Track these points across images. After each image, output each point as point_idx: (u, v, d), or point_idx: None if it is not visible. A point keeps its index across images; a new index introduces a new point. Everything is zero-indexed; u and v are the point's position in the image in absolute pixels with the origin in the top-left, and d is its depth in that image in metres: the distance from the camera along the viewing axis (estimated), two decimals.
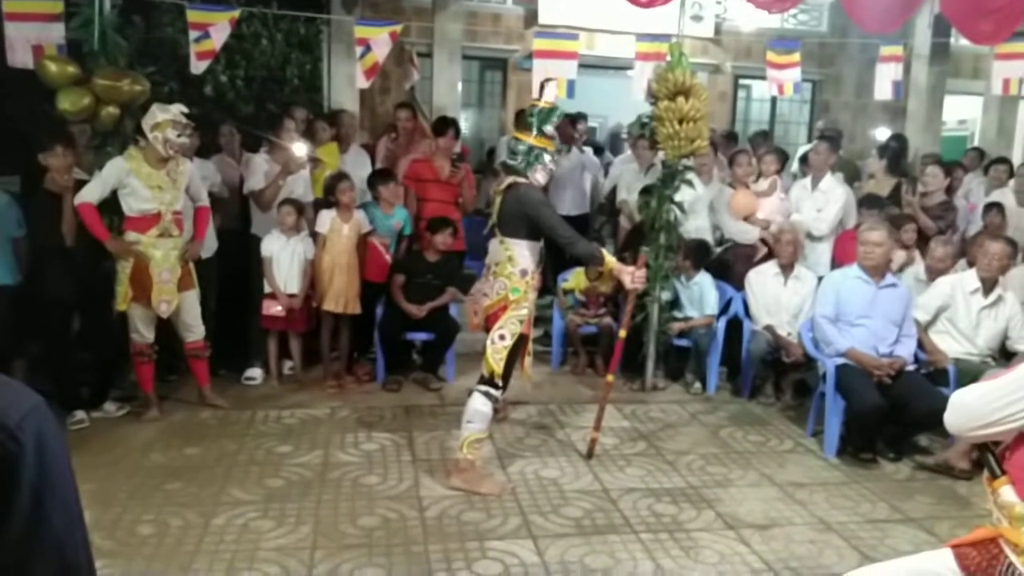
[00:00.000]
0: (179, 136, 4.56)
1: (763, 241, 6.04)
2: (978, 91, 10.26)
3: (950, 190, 6.62)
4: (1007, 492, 1.85)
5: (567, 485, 4.13)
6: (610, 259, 4.01)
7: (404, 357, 5.89)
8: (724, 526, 3.74)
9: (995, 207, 6.06)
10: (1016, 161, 8.32)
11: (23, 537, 0.55)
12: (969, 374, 4.55)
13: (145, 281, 4.59)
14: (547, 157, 4.06)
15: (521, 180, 4.05)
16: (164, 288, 4.63)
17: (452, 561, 3.33)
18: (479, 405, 3.99)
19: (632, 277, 4.06)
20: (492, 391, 4.00)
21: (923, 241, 5.79)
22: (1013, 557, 1.91)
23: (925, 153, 7.91)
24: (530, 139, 4.03)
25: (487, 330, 4.05)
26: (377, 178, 5.75)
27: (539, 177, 4.06)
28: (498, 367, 3.95)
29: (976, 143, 10.10)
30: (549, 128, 4.06)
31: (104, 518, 3.56)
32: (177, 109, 4.59)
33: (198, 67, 5.78)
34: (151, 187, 4.56)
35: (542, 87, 4.19)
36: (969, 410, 1.89)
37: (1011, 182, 7.02)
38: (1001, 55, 7.12)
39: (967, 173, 7.14)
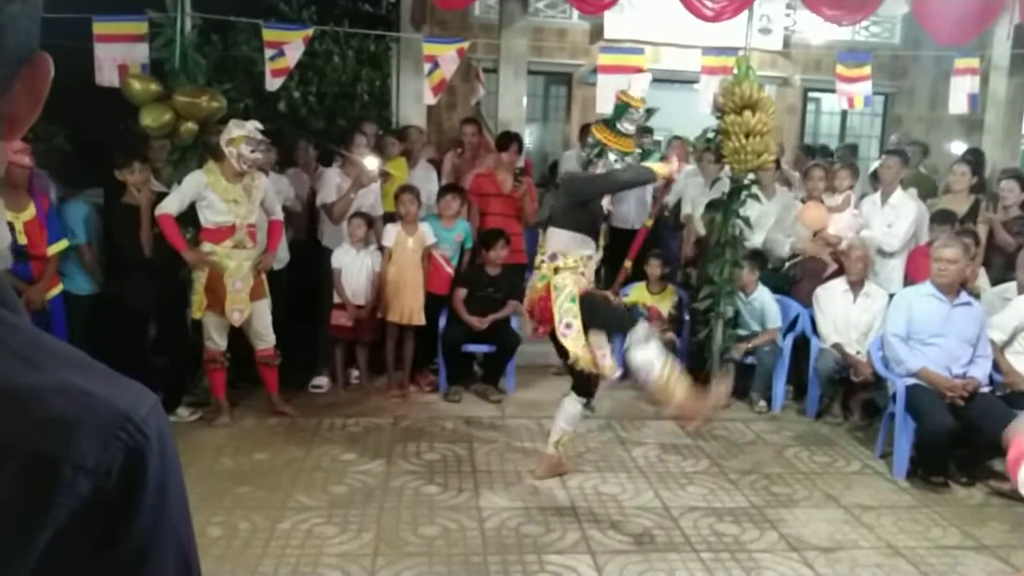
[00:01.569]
0: (252, 151, 4.71)
1: (834, 257, 5.92)
2: None
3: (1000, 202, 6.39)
4: None
5: (627, 501, 4.12)
6: (657, 167, 3.89)
7: (465, 368, 5.95)
8: (787, 548, 3.67)
9: None
10: None
11: (150, 530, 0.59)
12: None
13: (219, 290, 4.75)
14: (612, 156, 3.81)
15: (581, 172, 3.94)
16: (237, 297, 4.79)
17: (511, 573, 3.36)
18: (569, 406, 4.11)
19: (672, 167, 3.92)
20: (582, 399, 4.13)
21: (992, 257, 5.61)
22: None
23: (1004, 168, 7.64)
24: (603, 134, 3.82)
25: (537, 332, 4.07)
26: (439, 192, 5.86)
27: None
28: (583, 353, 3.83)
29: None
30: (626, 125, 3.81)
31: None
32: (252, 125, 4.75)
33: (273, 84, 5.97)
34: (227, 200, 4.73)
35: (634, 80, 4.00)
36: None
37: None
38: None
39: None
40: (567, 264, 3.85)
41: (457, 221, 5.83)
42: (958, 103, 7.01)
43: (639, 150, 3.92)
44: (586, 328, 3.83)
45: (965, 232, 5.64)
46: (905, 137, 9.54)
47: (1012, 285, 5.33)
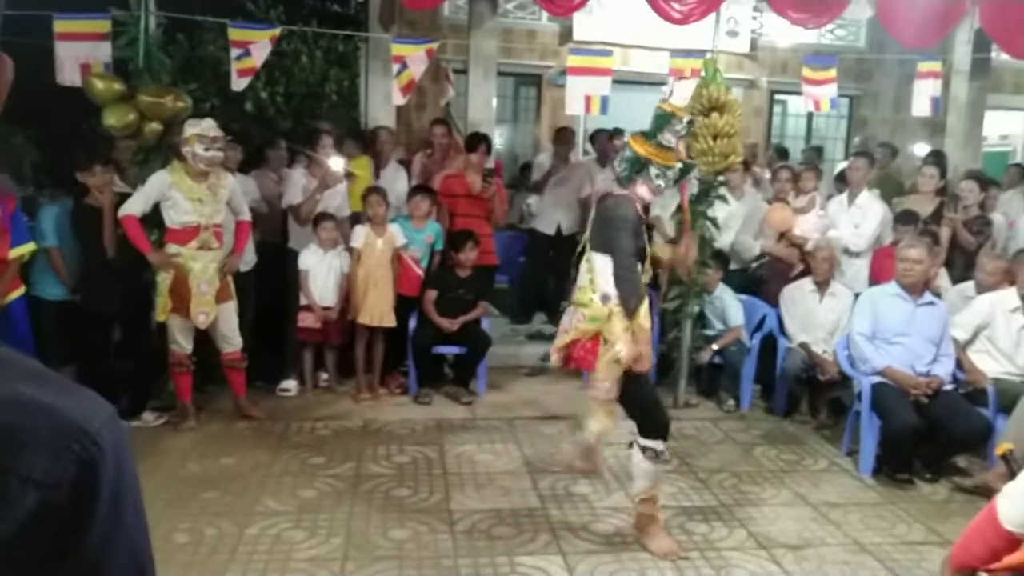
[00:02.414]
0: (207, 150, 4.63)
1: (801, 258, 5.99)
2: (1020, 106, 10.09)
3: (982, 206, 6.52)
4: None
5: (598, 502, 4.12)
6: (660, 250, 3.82)
7: (436, 370, 5.93)
8: (756, 545, 3.70)
9: None
10: None
11: (104, 539, 0.58)
12: (1009, 394, 4.48)
13: (184, 292, 4.69)
14: (653, 171, 3.42)
15: (618, 191, 3.52)
16: (202, 299, 4.72)
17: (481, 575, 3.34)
18: (637, 460, 3.56)
19: (685, 248, 3.94)
20: (652, 444, 3.51)
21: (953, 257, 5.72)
22: None
23: (967, 169, 7.79)
24: (643, 147, 3.43)
25: (566, 367, 3.68)
26: (410, 193, 5.83)
27: (641, 192, 3.46)
28: (603, 422, 3.55)
29: (1019, 159, 9.91)
30: (668, 137, 3.42)
31: None
32: (207, 123, 4.67)
33: (239, 84, 5.90)
34: (192, 200, 4.66)
35: (675, 85, 3.56)
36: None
37: None
38: None
39: (1004, 190, 7.00)
40: (617, 310, 3.40)
41: (427, 222, 5.81)
42: (921, 106, 7.14)
43: (679, 164, 3.50)
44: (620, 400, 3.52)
45: (926, 232, 5.74)
46: (871, 139, 9.69)
47: (971, 284, 5.44)
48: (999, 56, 8.47)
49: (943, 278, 5.66)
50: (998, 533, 1.81)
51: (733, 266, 6.20)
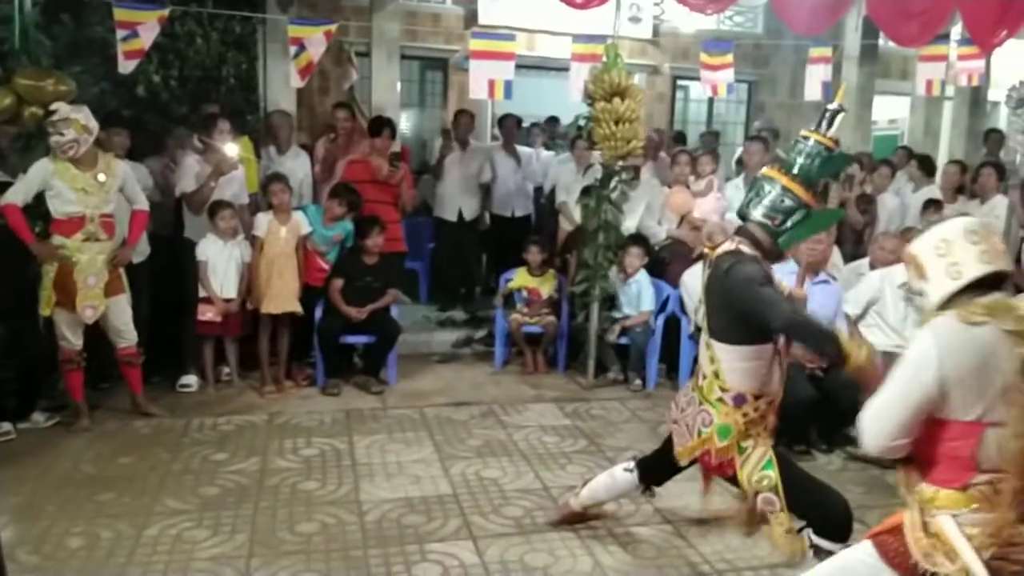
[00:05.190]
0: (54, 136, 4.38)
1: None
2: (906, 91, 10.58)
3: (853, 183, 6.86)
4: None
5: (508, 485, 4.14)
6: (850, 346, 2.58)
7: (345, 361, 5.83)
8: (662, 520, 3.79)
9: (933, 204, 6.26)
10: (941, 159, 8.63)
11: None
12: None
13: (69, 286, 4.45)
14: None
15: (746, 249, 2.77)
16: (90, 293, 4.50)
17: (391, 565, 3.31)
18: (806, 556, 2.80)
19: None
20: (826, 546, 2.73)
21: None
22: (913, 536, 1.97)
23: (857, 151, 8.13)
24: (801, 191, 2.74)
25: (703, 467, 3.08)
26: (330, 193, 5.67)
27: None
28: (788, 543, 2.81)
29: (905, 142, 10.40)
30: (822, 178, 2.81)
31: (31, 532, 3.46)
32: (56, 107, 4.40)
33: (126, 67, 5.63)
34: (76, 190, 4.43)
35: (831, 116, 2.82)
36: (876, 430, 2.06)
37: (938, 179, 7.28)
38: (925, 57, 7.38)
39: (894, 171, 7.34)
40: (758, 410, 2.83)
41: (341, 222, 5.66)
42: (812, 90, 7.40)
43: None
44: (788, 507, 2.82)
45: None
46: (766, 123, 10.01)
47: (865, 261, 5.68)
48: (886, 43, 8.85)
49: (836, 256, 5.88)
50: None
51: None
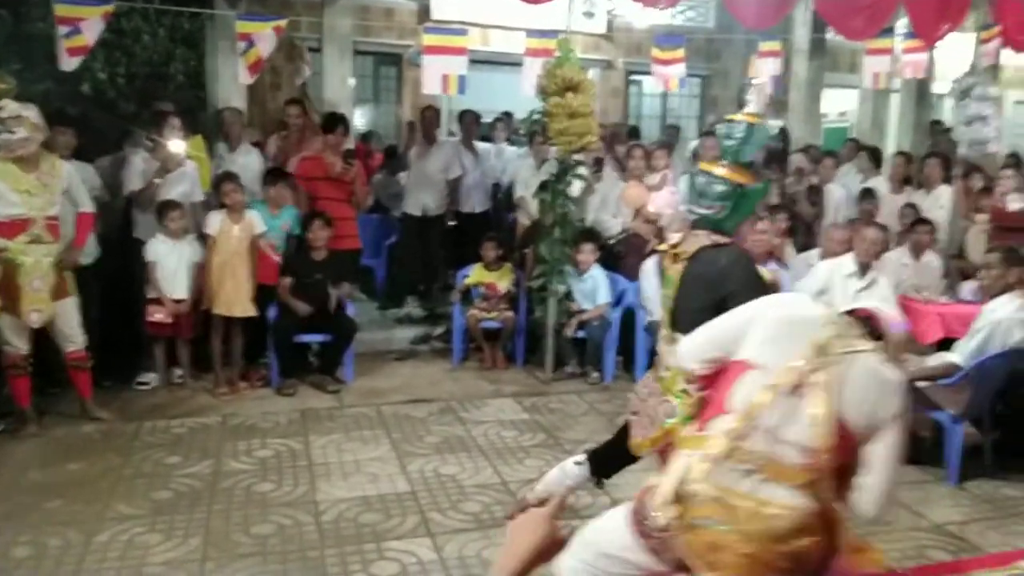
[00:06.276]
0: (2, 134, 4.26)
1: (656, 233, 6.19)
2: (855, 84, 10.76)
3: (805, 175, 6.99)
4: None
5: (467, 481, 4.14)
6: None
7: (301, 360, 5.77)
8: None
9: (868, 194, 6.38)
10: (889, 151, 8.81)
11: None
12: None
13: (12, 290, 4.34)
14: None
15: (720, 239, 2.83)
16: (35, 296, 4.39)
17: (349, 564, 3.30)
18: None
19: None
20: None
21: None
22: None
23: (807, 144, 8.27)
24: (728, 172, 2.82)
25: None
26: (264, 178, 5.62)
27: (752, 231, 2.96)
28: None
29: (854, 134, 10.60)
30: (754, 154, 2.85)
31: None
32: (9, 105, 4.28)
33: (69, 64, 5.49)
34: (19, 191, 4.32)
35: (747, 90, 3.13)
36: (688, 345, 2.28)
37: (885, 170, 7.43)
38: (871, 50, 7.53)
39: (839, 163, 7.48)
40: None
41: (283, 208, 5.62)
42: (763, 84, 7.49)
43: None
44: None
45: (777, 208, 6.07)
46: (721, 118, 10.11)
47: (816, 252, 5.79)
48: (835, 36, 9.01)
49: (789, 247, 5.98)
50: None
51: None
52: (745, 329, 2.09)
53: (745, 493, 1.93)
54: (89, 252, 5.07)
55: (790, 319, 2.07)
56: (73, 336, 4.67)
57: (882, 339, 2.07)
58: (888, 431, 1.99)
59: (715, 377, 2.17)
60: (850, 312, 2.11)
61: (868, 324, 2.08)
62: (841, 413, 1.94)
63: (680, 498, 1.97)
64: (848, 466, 2.04)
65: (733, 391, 2.03)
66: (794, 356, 1.97)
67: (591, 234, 6.08)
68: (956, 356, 4.32)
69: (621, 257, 6.23)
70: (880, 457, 2.00)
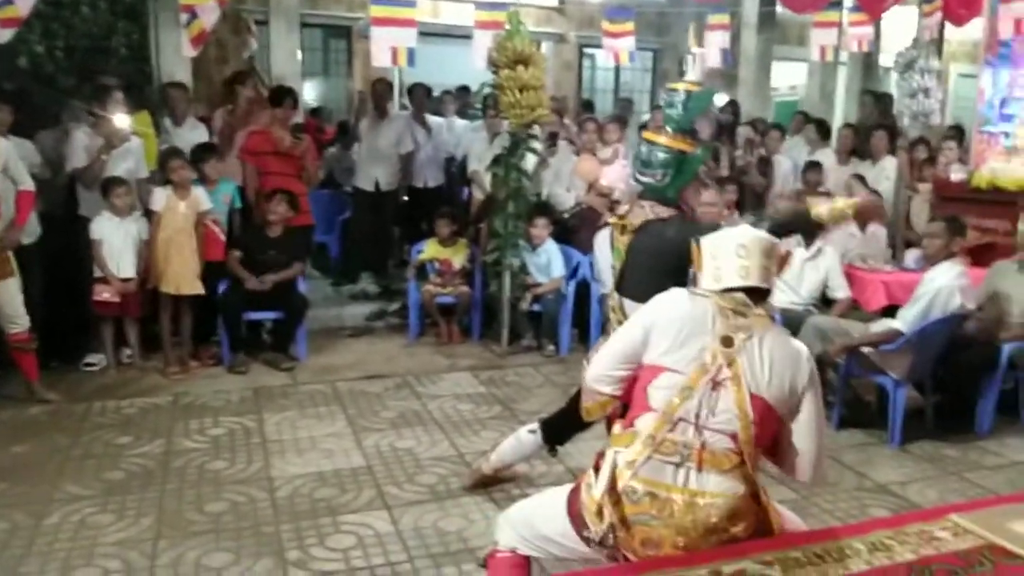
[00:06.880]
0: None
1: (609, 206, 6.23)
2: (804, 58, 10.90)
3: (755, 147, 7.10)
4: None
5: (423, 454, 4.16)
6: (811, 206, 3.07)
7: (253, 338, 5.71)
8: (573, 479, 3.84)
9: (814, 166, 6.50)
10: (836, 123, 8.96)
11: None
12: (794, 322, 4.89)
13: None
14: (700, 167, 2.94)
15: (663, 211, 2.95)
16: None
17: (304, 538, 3.30)
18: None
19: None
20: None
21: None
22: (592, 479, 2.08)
23: (754, 117, 8.37)
24: (670, 140, 2.89)
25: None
26: (193, 155, 5.46)
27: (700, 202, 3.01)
28: None
29: (803, 107, 10.75)
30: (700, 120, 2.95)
31: None
32: None
33: (2, 36, 5.29)
34: None
35: (685, 60, 3.13)
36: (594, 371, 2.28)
37: (832, 142, 7.57)
38: (818, 23, 7.63)
39: (786, 135, 7.59)
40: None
41: (220, 182, 5.50)
42: (712, 57, 7.56)
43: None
44: None
45: (726, 180, 6.15)
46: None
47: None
48: (783, 10, 9.10)
49: (737, 217, 6.06)
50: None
51: None
52: (646, 338, 2.13)
53: (678, 486, 1.99)
54: (31, 231, 4.92)
55: (682, 319, 2.10)
56: (16, 317, 4.56)
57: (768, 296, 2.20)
58: (807, 399, 2.09)
59: (632, 381, 2.20)
60: (736, 289, 2.13)
61: (755, 294, 2.14)
62: (758, 393, 2.02)
63: (614, 497, 2.01)
64: (778, 439, 2.13)
65: (651, 392, 2.08)
66: (701, 354, 2.03)
67: (545, 208, 6.10)
68: (899, 322, 4.45)
69: (575, 231, 6.26)
70: (806, 425, 2.10)
